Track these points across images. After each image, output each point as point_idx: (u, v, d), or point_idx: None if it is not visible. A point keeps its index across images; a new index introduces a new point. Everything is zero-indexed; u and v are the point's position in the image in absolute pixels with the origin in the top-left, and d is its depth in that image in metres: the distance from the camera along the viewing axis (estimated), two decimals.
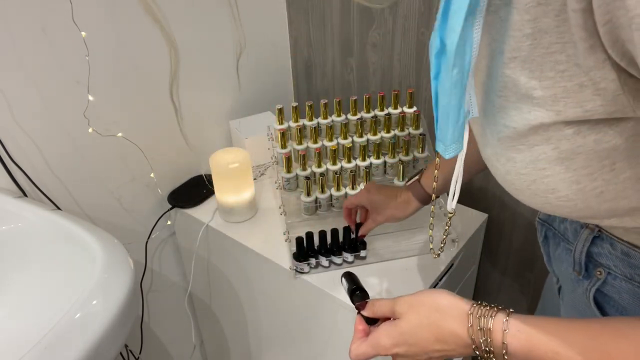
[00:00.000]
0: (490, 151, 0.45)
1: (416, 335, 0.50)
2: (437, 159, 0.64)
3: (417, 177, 0.84)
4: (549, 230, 0.64)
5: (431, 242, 0.74)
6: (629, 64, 0.32)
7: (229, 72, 1.20)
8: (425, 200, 0.83)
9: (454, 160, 0.48)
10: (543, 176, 0.40)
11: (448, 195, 0.54)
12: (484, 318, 0.45)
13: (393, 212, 0.85)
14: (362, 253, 0.90)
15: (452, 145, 0.44)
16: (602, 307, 0.53)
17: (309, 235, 0.88)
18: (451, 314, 0.48)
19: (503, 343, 0.44)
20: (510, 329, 0.44)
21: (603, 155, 0.38)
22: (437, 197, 0.77)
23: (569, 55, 0.35)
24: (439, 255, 0.70)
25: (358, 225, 0.90)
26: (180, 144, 1.14)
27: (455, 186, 0.51)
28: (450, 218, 0.55)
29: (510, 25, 0.37)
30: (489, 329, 0.45)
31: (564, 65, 0.35)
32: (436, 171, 0.67)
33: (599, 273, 0.53)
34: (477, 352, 0.47)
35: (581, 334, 0.42)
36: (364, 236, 0.90)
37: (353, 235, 0.90)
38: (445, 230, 0.60)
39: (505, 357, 0.45)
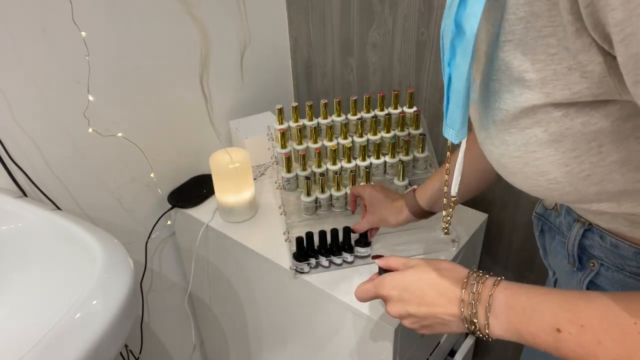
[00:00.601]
0: (485, 134, 0.46)
1: (414, 284, 0.56)
2: (447, 164, 0.62)
3: (414, 187, 0.85)
4: (545, 224, 0.65)
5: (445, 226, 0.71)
6: (610, 46, 0.33)
7: (229, 72, 1.20)
8: (417, 213, 0.83)
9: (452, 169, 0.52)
10: (534, 159, 0.42)
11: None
12: (480, 277, 0.52)
13: (386, 214, 0.85)
14: (363, 252, 0.90)
15: (462, 130, 0.46)
16: None
17: (309, 235, 0.88)
18: (451, 273, 0.54)
19: (490, 295, 0.49)
20: (499, 285, 0.50)
21: (590, 137, 0.39)
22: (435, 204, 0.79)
23: (559, 39, 0.35)
24: (447, 232, 0.69)
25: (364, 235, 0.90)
26: (181, 144, 1.14)
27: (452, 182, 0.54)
28: (454, 202, 0.57)
29: (506, 9, 0.38)
30: (482, 282, 0.51)
31: (555, 49, 0.36)
32: (448, 165, 0.65)
33: (592, 265, 0.54)
34: (463, 312, 0.51)
35: (558, 297, 0.46)
36: (358, 233, 0.90)
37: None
38: (449, 213, 0.61)
39: (488, 313, 0.49)
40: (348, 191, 0.97)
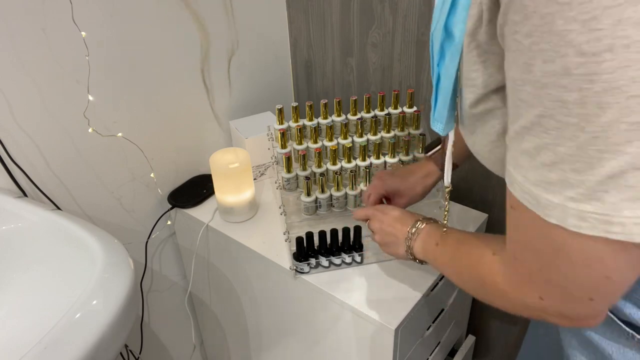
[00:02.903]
0: (461, 125, 0.54)
1: (391, 213, 0.76)
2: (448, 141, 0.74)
3: (439, 147, 0.87)
4: None
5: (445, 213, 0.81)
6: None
7: (229, 72, 1.20)
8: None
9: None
10: (495, 146, 0.49)
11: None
12: (427, 219, 0.72)
13: (412, 191, 0.87)
14: (358, 257, 0.90)
15: (449, 124, 0.54)
16: None
17: (309, 235, 0.88)
18: (416, 214, 0.74)
19: (421, 228, 0.70)
20: (429, 223, 0.70)
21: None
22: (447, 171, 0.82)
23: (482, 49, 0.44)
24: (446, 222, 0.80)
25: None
26: (181, 144, 1.14)
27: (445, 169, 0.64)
28: (448, 192, 0.67)
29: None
30: (425, 221, 0.71)
31: (483, 56, 0.44)
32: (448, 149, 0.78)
33: None
34: (406, 238, 0.71)
35: (452, 239, 0.63)
36: None
37: None
38: (446, 205, 0.71)
39: (414, 241, 0.70)
40: (348, 191, 0.97)
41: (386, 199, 0.89)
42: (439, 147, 0.87)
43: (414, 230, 0.70)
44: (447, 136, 0.86)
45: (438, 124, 0.55)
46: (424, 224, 0.70)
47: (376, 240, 0.78)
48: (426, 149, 0.90)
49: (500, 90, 0.45)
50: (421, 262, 0.72)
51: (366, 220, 0.81)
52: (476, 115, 0.48)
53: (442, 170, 0.84)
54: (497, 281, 0.50)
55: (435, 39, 0.48)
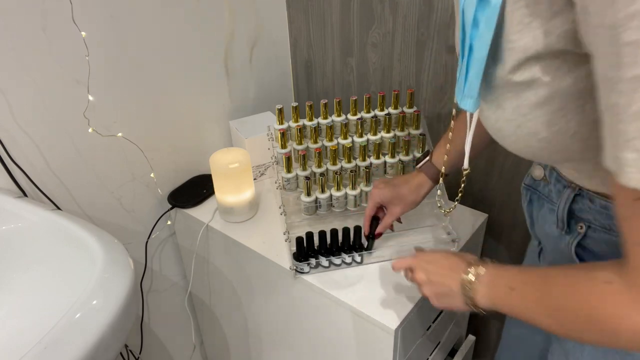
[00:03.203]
0: (483, 101, 0.51)
1: (437, 260, 0.68)
2: (450, 132, 0.74)
3: (427, 159, 0.87)
4: (534, 194, 0.69)
5: (439, 202, 0.82)
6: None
7: (229, 72, 1.20)
8: (437, 179, 0.85)
9: (461, 136, 0.61)
10: (527, 120, 0.47)
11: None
12: (481, 260, 0.61)
13: (408, 200, 0.87)
14: (358, 257, 0.90)
15: (478, 99, 0.51)
16: (582, 259, 0.60)
17: (309, 235, 0.88)
18: (464, 257, 0.64)
19: (482, 274, 0.59)
20: (490, 266, 0.59)
21: (575, 97, 0.44)
22: (445, 175, 0.83)
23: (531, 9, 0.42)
24: (450, 211, 0.79)
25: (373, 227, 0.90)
26: (181, 144, 1.14)
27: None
28: (465, 175, 0.65)
29: None
30: (480, 264, 0.60)
31: (528, 18, 0.43)
32: (448, 145, 0.77)
33: (580, 227, 0.59)
34: (463, 285, 0.60)
35: (534, 277, 0.53)
36: (381, 234, 0.92)
37: (366, 235, 0.91)
38: (461, 187, 0.69)
39: (478, 288, 0.58)
40: (348, 191, 0.97)
41: (381, 208, 0.90)
42: (427, 159, 0.87)
43: (471, 277, 0.59)
44: (432, 149, 0.87)
45: (468, 100, 0.51)
46: (483, 268, 0.59)
47: (425, 294, 0.69)
48: (416, 162, 0.90)
49: (541, 58, 0.43)
50: (485, 310, 0.60)
51: (408, 270, 0.74)
52: (511, 85, 0.46)
53: (432, 180, 0.86)
54: (622, 315, 0.42)
55: (467, 10, 0.47)
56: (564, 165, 0.60)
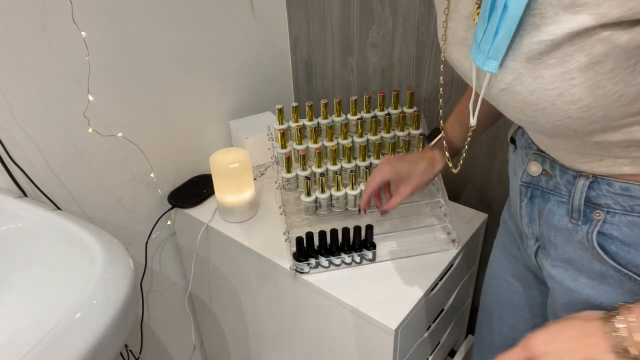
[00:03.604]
0: (510, 77, 0.48)
1: (562, 334, 0.54)
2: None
3: (442, 135, 0.83)
4: (536, 189, 0.66)
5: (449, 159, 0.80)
6: None
7: (230, 72, 1.20)
8: (451, 155, 0.82)
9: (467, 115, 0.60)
10: (571, 86, 0.44)
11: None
12: (619, 307, 0.51)
13: (420, 179, 0.83)
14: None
15: (501, 60, 0.47)
16: (605, 247, 0.57)
17: (309, 235, 0.88)
18: (586, 316, 0.55)
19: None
20: (628, 306, 0.51)
21: (630, 55, 0.41)
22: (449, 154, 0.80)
23: None
24: (457, 169, 0.74)
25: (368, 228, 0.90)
26: (180, 144, 1.14)
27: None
28: (471, 130, 0.62)
29: None
30: (627, 311, 0.50)
31: None
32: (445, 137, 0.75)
33: (597, 215, 0.56)
34: (616, 343, 0.50)
35: None
36: (387, 211, 0.87)
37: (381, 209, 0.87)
38: (466, 143, 0.66)
39: None
40: (348, 191, 0.97)
41: (384, 187, 0.86)
42: (440, 135, 0.83)
43: (621, 331, 0.50)
44: (446, 124, 0.85)
45: (492, 62, 0.48)
46: (627, 312, 0.50)
47: None
48: (428, 138, 0.87)
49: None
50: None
51: None
52: (556, 48, 0.43)
53: (446, 157, 0.82)
54: None
55: None
56: (588, 140, 0.54)
